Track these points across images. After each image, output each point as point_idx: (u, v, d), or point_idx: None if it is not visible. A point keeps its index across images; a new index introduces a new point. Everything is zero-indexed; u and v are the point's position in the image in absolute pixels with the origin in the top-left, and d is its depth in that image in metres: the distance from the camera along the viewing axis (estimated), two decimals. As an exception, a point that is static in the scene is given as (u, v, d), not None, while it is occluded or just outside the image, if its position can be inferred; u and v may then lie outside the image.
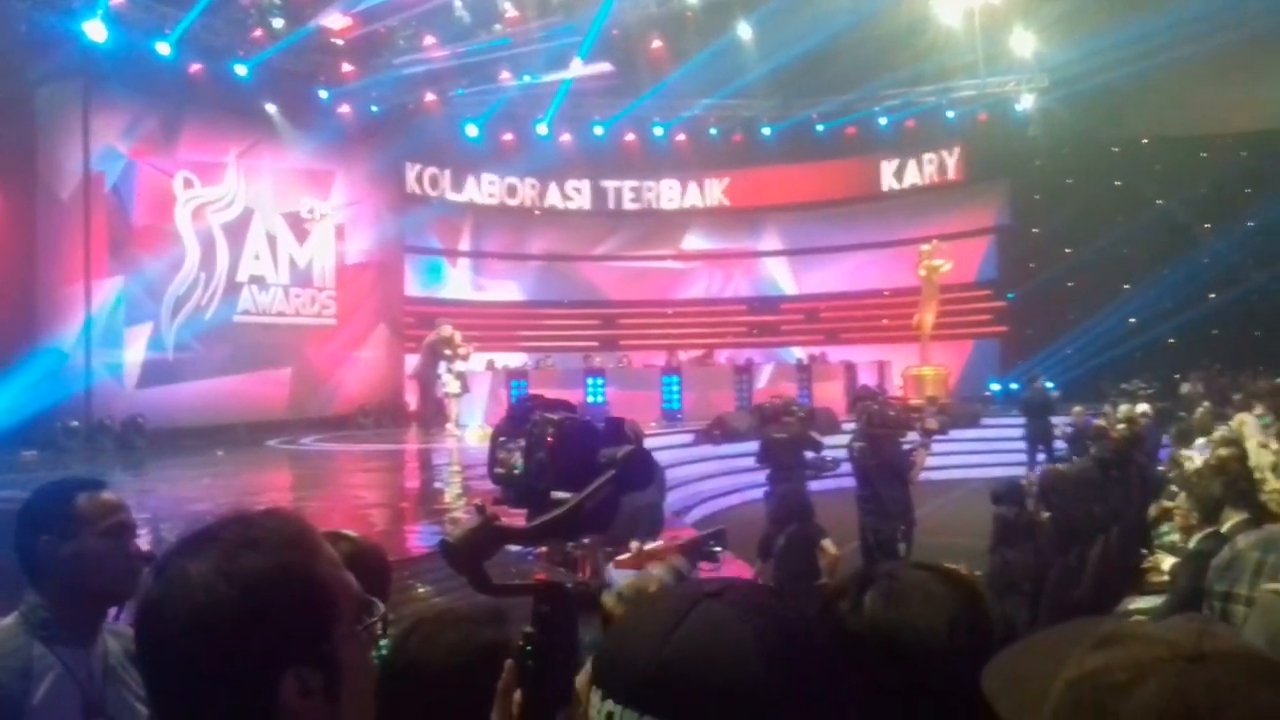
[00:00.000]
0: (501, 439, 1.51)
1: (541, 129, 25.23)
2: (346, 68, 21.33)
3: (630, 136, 26.28)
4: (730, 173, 26.84)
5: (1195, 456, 8.55)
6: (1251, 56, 20.90)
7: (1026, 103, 24.05)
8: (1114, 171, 23.34)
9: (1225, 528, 4.48)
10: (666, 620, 0.92)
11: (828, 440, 11.55)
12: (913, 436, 10.01)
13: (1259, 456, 7.95)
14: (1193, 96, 21.83)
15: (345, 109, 21.92)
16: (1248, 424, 10.44)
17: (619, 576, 4.73)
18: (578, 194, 27.09)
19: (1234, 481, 4.64)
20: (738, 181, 27.03)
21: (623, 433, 1.46)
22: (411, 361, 22.24)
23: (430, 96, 23.23)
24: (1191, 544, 4.72)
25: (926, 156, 25.80)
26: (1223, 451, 5.40)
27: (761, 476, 10.94)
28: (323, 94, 21.50)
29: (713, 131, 26.46)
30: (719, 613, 0.92)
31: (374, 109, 22.50)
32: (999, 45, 22.31)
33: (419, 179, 24.65)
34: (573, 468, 1.38)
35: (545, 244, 27.16)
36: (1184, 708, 0.81)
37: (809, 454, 10.69)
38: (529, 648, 1.22)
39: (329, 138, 21.29)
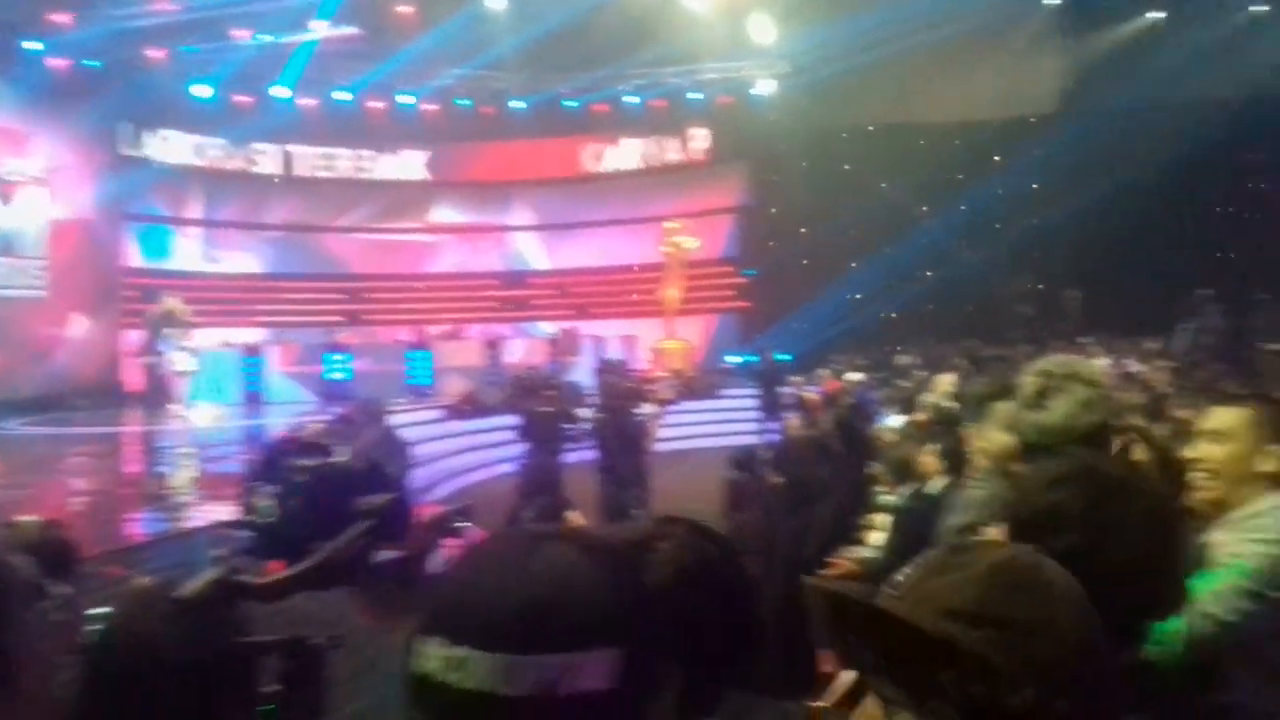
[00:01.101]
0: (252, 483, 1.40)
1: (281, 92, 23.94)
2: (55, 17, 19.44)
3: (377, 104, 25.39)
4: (481, 145, 26.50)
5: (889, 423, 9.19)
6: (966, 52, 22.67)
7: (766, 88, 25.13)
8: (844, 156, 24.75)
9: (930, 487, 4.84)
10: (514, 562, 0.94)
11: (578, 413, 11.68)
12: (648, 407, 10.28)
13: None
14: (915, 87, 23.44)
15: (55, 62, 19.98)
16: (943, 385, 11.11)
17: (382, 554, 4.58)
18: (321, 162, 25.97)
19: (938, 440, 5.03)
20: (488, 154, 26.75)
21: (382, 479, 1.40)
22: (133, 338, 20.69)
23: (155, 52, 21.55)
24: (897, 501, 5.08)
25: (674, 136, 26.50)
26: (920, 416, 5.85)
27: (513, 451, 10.93)
28: (28, 45, 19.51)
29: (462, 102, 26.04)
30: (563, 550, 0.96)
31: (89, 64, 20.61)
32: (742, 31, 23.12)
33: (140, 141, 22.81)
34: (327, 516, 1.31)
35: (285, 213, 25.88)
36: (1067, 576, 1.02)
37: (568, 427, 10.79)
38: (272, 706, 1.16)
39: (34, 93, 19.37)
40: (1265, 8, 23.02)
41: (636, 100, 25.97)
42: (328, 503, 1.36)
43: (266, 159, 25.17)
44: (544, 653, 0.90)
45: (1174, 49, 22.11)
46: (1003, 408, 2.78)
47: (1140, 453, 2.78)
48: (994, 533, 2.54)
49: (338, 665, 1.23)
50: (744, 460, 7.33)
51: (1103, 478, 1.38)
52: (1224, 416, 2.64)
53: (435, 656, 0.90)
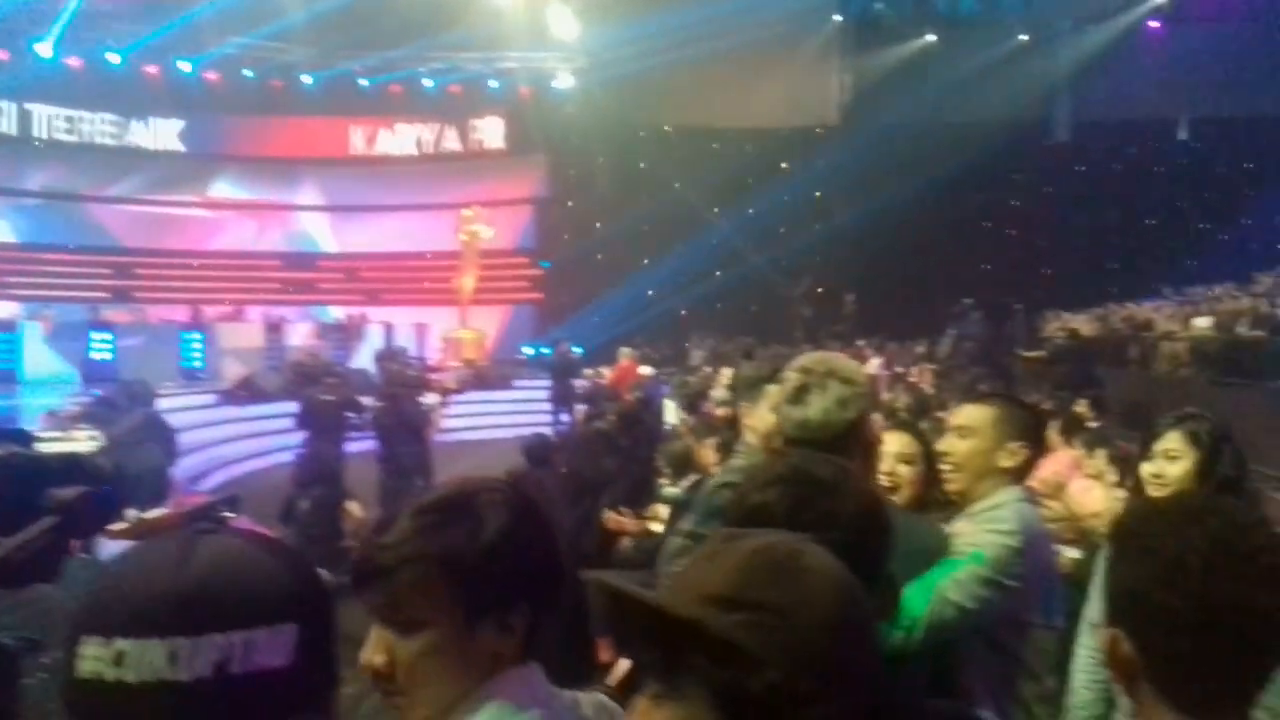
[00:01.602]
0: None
1: (44, 49, 22.08)
2: None
3: (152, 69, 23.80)
4: (266, 119, 25.32)
5: (673, 417, 9.43)
6: (758, 60, 23.42)
7: (567, 81, 25.17)
8: (641, 154, 25.11)
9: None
10: (174, 554, 0.93)
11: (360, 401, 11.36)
12: (432, 396, 10.11)
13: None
14: (710, 92, 24.02)
15: None
16: (725, 380, 11.41)
17: (113, 548, 4.28)
18: (90, 126, 24.14)
19: (718, 434, 5.16)
20: (274, 129, 25.59)
21: (81, 470, 1.28)
22: None
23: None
24: (677, 493, 5.19)
25: (471, 123, 26.15)
26: (702, 410, 6.00)
27: (293, 439, 10.50)
28: None
29: (247, 73, 24.79)
30: (225, 540, 0.96)
31: None
32: (544, 22, 23.06)
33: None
34: (11, 510, 1.20)
35: (46, 179, 23.93)
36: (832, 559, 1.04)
37: (351, 416, 10.44)
38: None
39: None
40: (1027, 37, 24.92)
41: (433, 84, 25.48)
42: (12, 496, 1.25)
43: (25, 119, 23.18)
44: (216, 632, 0.89)
45: (946, 72, 23.65)
46: (773, 390, 2.87)
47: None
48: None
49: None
50: (534, 449, 7.29)
51: (812, 479, 1.41)
52: (970, 414, 2.80)
53: (93, 656, 0.86)
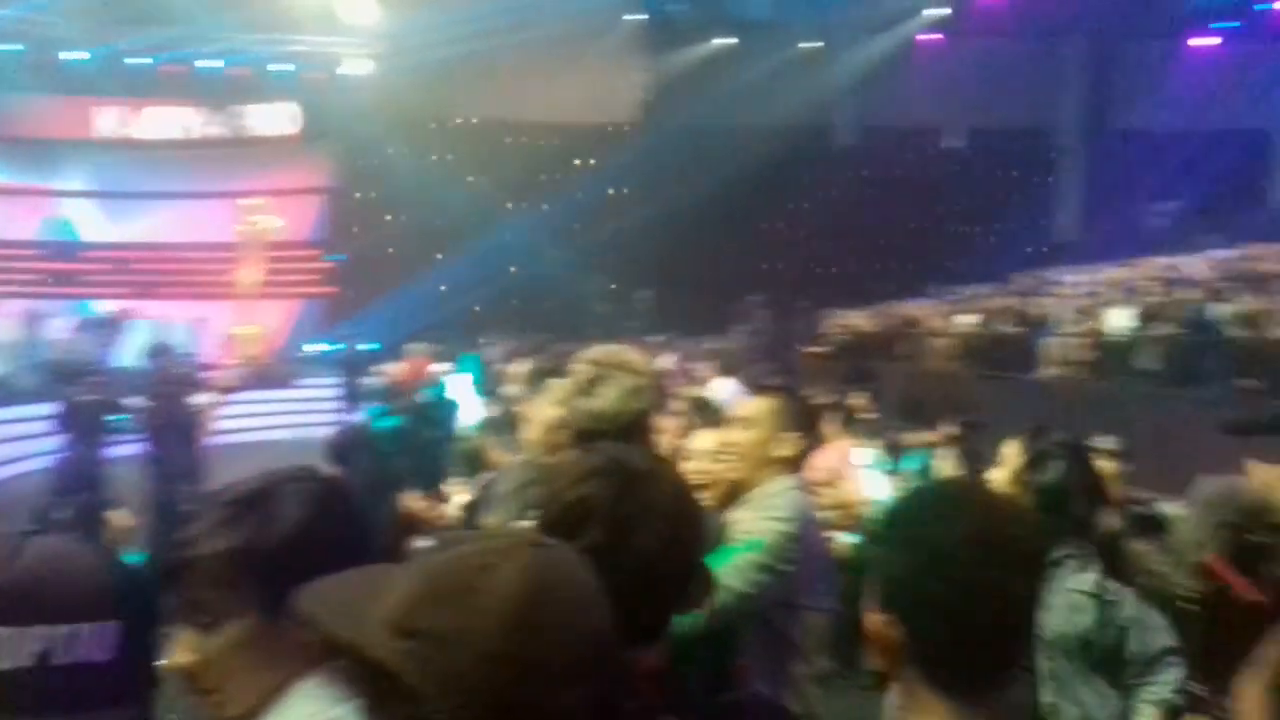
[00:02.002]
0: None
1: None
2: None
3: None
4: (26, 97, 23.34)
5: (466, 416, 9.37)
6: (555, 55, 23.43)
7: (359, 68, 24.40)
8: (435, 146, 24.68)
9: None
10: (4, 551, 1.01)
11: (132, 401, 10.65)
12: (205, 396, 9.60)
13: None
14: (506, 85, 23.87)
15: None
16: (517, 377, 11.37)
17: None
18: None
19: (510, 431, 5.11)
20: (35, 108, 23.63)
21: None
22: None
23: None
24: (469, 492, 5.11)
25: (258, 108, 24.94)
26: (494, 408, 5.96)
27: (50, 443, 9.73)
28: None
29: (10, 47, 22.78)
30: (53, 541, 1.05)
31: None
32: (333, 7, 22.29)
33: None
34: None
35: None
36: (546, 577, 0.93)
37: (113, 418, 9.75)
38: None
39: None
40: (818, 44, 25.99)
41: (216, 66, 24.15)
42: None
43: None
44: (40, 624, 0.95)
45: (740, 74, 24.38)
46: (556, 384, 2.88)
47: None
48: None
49: None
50: (338, 446, 7.00)
51: (629, 470, 1.39)
52: (750, 406, 2.90)
53: None
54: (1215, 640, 1.30)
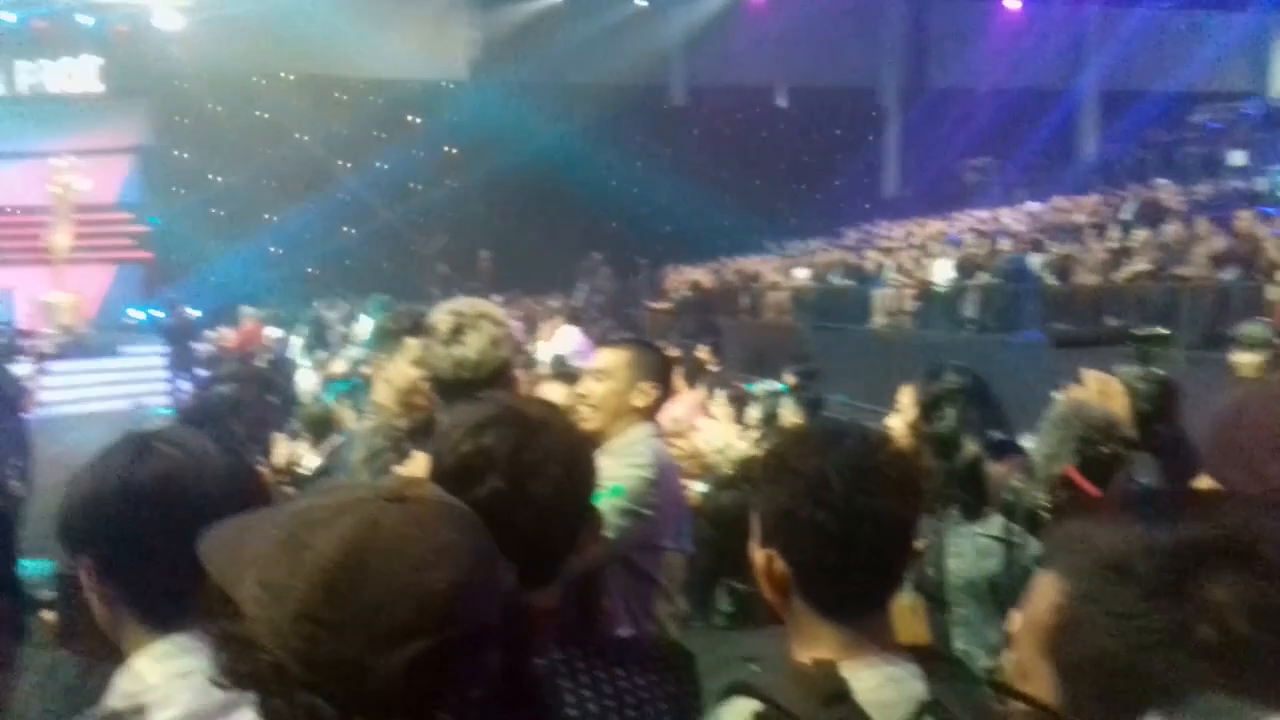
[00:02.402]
0: None
1: None
2: None
3: None
4: None
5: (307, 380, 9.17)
6: (382, 8, 22.76)
7: (171, 21, 23.02)
8: (259, 103, 23.64)
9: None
10: None
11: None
12: (24, 367, 9.06)
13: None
14: (332, 39, 23.01)
15: None
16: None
17: None
18: None
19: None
20: None
21: None
22: None
23: None
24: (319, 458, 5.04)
25: (59, 62, 23.25)
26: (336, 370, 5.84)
27: None
28: None
29: None
30: None
31: None
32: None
33: None
34: None
35: None
36: (373, 535, 0.90)
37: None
38: None
39: None
40: (645, 2, 26.03)
41: (13, 18, 22.38)
42: None
43: None
44: None
45: (571, 32, 24.22)
46: (412, 343, 2.86)
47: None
48: (416, 468, 2.56)
49: None
50: (193, 412, 6.70)
51: (525, 419, 1.39)
52: (606, 357, 2.95)
53: None
54: None
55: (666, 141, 26.48)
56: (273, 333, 14.08)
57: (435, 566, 0.89)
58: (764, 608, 5.13)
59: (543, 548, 1.30)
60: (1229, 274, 10.86)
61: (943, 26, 27.81)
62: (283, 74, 23.80)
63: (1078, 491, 1.42)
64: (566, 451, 1.38)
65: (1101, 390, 1.51)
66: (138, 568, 1.22)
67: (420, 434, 3.02)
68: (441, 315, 2.49)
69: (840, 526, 1.28)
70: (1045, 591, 0.89)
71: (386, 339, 3.11)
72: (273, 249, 22.65)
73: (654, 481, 2.69)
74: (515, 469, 1.33)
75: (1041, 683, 0.88)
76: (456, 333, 2.45)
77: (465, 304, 2.56)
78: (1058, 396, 2.68)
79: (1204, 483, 1.56)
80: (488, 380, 2.40)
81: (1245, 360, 4.88)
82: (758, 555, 1.37)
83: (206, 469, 1.27)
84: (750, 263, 22.05)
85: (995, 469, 2.83)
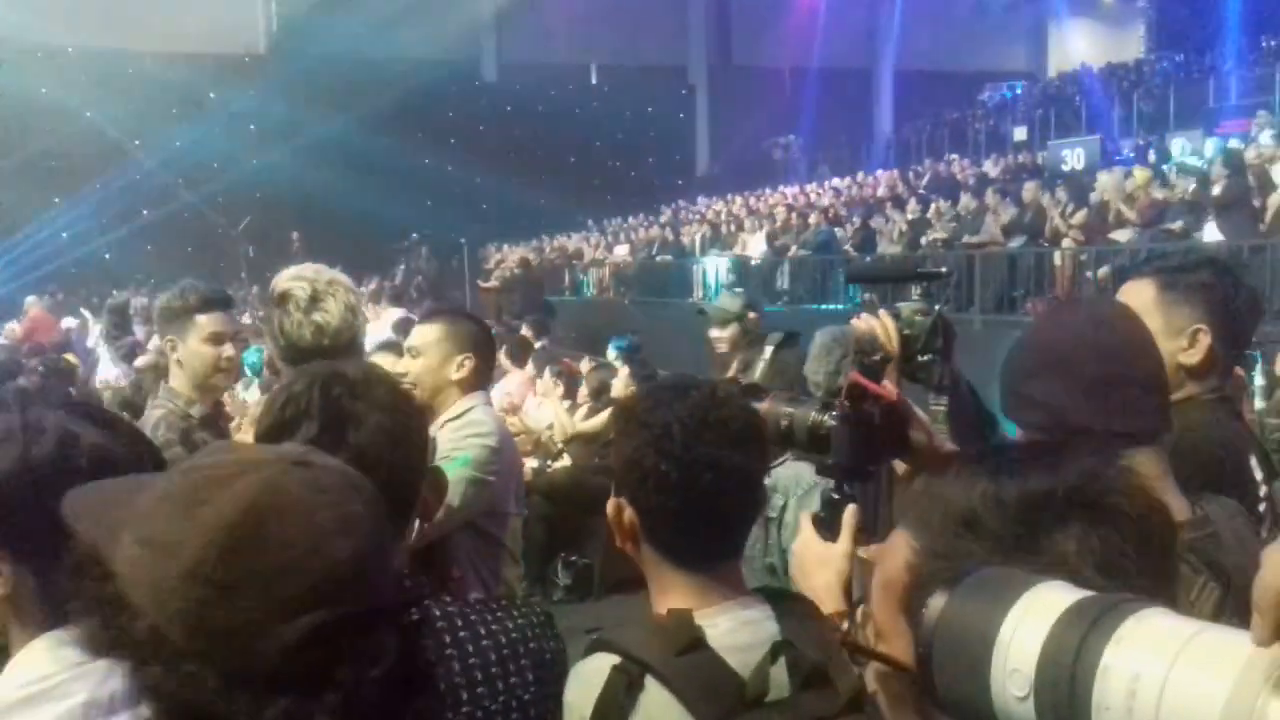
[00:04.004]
0: None
1: None
2: None
3: None
4: None
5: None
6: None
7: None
8: (41, 78, 22.01)
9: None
10: None
11: None
12: None
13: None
14: (120, 10, 21.68)
15: None
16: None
17: None
18: None
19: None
20: None
21: None
22: None
23: None
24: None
25: None
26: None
27: None
28: None
29: None
30: None
31: None
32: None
33: None
34: None
35: None
36: (278, 496, 0.84)
37: None
38: None
39: None
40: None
41: None
42: None
43: None
44: None
45: (375, 6, 23.53)
46: (203, 320, 2.84)
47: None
48: (244, 434, 2.52)
49: None
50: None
51: (342, 374, 1.39)
52: (417, 335, 2.94)
53: None
54: (860, 438, 1.51)
55: (479, 119, 26.17)
56: (68, 322, 13.22)
57: (340, 535, 0.84)
58: (601, 580, 5.32)
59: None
60: (1017, 242, 11.67)
61: (746, 6, 28.49)
62: (67, 48, 22.20)
63: (870, 394, 1.51)
64: (388, 402, 1.36)
65: (871, 327, 1.64)
66: (40, 553, 1.16)
67: (213, 421, 2.96)
68: (295, 283, 2.43)
69: (681, 475, 1.33)
70: (898, 549, 0.87)
71: (175, 319, 2.97)
72: (64, 234, 21.19)
73: (496, 449, 2.71)
74: (329, 416, 1.32)
75: (900, 640, 0.86)
76: (315, 300, 2.41)
77: (312, 270, 2.50)
78: (821, 329, 2.93)
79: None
80: (345, 348, 2.39)
81: (715, 335, 4.40)
82: (610, 505, 1.41)
83: (111, 445, 1.24)
84: (571, 240, 22.15)
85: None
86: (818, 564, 1.47)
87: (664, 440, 1.34)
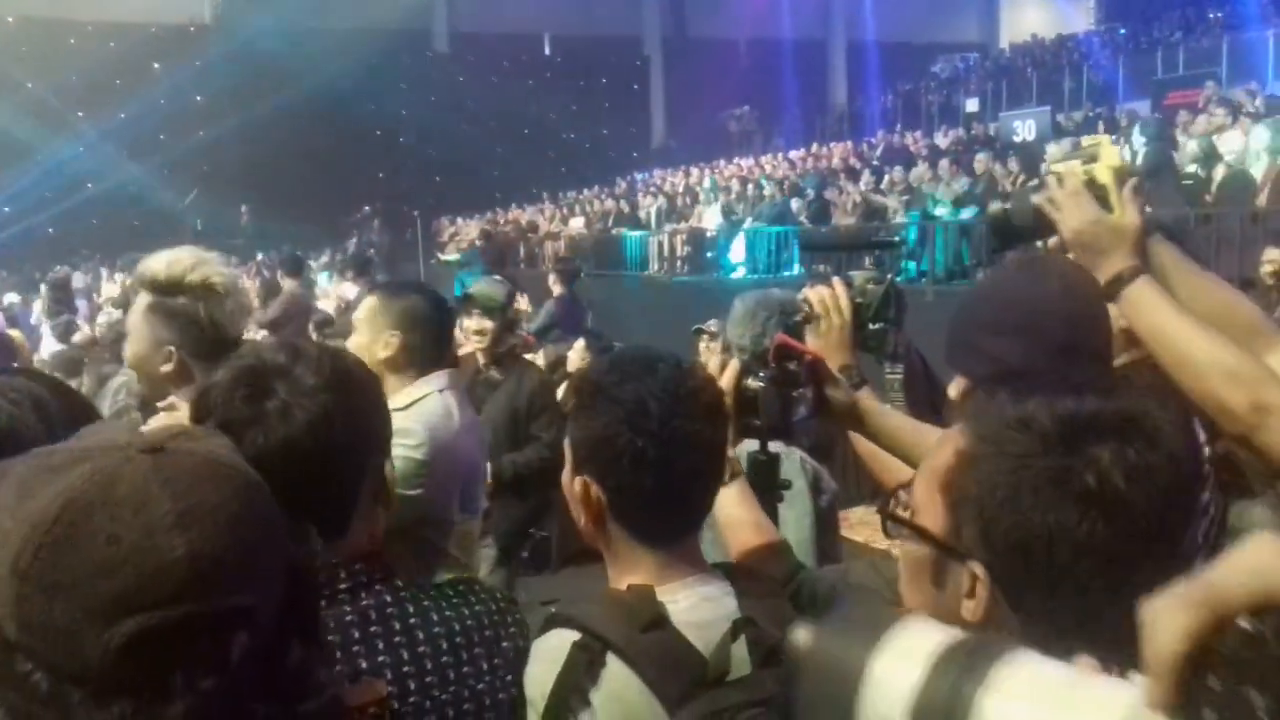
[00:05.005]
0: None
1: None
2: None
3: None
4: None
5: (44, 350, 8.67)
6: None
7: None
8: (-21, 49, 21.43)
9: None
10: None
11: None
12: None
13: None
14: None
15: None
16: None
17: None
18: None
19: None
20: None
21: None
22: None
23: None
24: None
25: None
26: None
27: None
28: None
29: None
30: None
31: None
32: None
33: None
34: None
35: None
36: (106, 488, 0.78)
37: None
38: None
39: None
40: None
41: None
42: None
43: None
44: None
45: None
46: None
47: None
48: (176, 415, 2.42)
49: None
50: None
51: (268, 368, 1.27)
52: (360, 308, 2.83)
53: None
54: (786, 399, 1.52)
55: (431, 89, 25.81)
56: (10, 297, 12.92)
57: (174, 531, 0.77)
58: (558, 553, 5.28)
59: (310, 496, 1.10)
60: (968, 213, 11.75)
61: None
62: (8, 18, 21.59)
63: (795, 353, 1.51)
64: (318, 385, 1.26)
65: (823, 291, 1.63)
66: None
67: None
68: (177, 267, 2.27)
69: (659, 451, 1.30)
70: (950, 442, 0.98)
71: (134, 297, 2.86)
72: (5, 209, 20.69)
73: (424, 462, 2.50)
74: (245, 412, 1.22)
75: (930, 516, 0.97)
76: (208, 290, 2.28)
77: (188, 254, 2.32)
78: (740, 296, 2.97)
79: (954, 389, 1.72)
80: (237, 341, 2.28)
81: (471, 326, 4.25)
82: (574, 483, 1.36)
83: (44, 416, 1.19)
84: (526, 213, 22.00)
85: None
86: None
87: (639, 417, 1.30)
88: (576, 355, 6.82)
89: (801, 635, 0.70)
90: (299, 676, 0.86)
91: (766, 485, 1.59)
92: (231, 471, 0.84)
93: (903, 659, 0.65)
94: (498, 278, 5.18)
